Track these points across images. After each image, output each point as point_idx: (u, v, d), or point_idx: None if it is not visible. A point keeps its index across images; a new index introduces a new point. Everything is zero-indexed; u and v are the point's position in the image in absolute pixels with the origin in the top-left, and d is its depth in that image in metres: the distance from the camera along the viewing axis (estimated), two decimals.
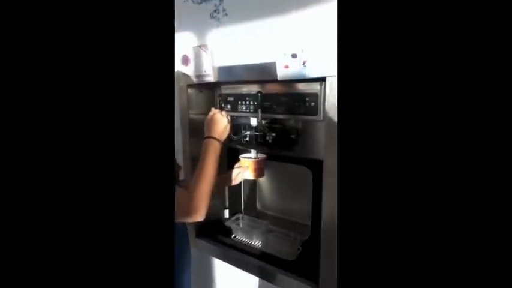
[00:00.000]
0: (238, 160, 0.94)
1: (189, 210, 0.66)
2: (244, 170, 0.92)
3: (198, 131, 1.01)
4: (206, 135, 0.77)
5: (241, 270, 0.95)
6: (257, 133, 0.86)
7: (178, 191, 0.65)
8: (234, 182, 0.95)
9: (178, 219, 0.70)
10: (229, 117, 0.82)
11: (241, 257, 0.95)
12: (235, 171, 0.94)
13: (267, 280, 0.90)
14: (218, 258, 1.02)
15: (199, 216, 0.68)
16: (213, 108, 0.82)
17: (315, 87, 0.78)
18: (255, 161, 0.90)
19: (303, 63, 0.68)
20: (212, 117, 0.79)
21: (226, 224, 1.05)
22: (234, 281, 1.05)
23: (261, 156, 0.92)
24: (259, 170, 0.92)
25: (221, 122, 0.79)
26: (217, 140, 0.76)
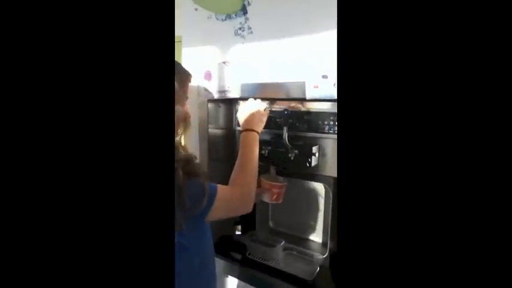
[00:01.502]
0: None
1: (239, 206, 0.68)
2: (263, 191, 0.89)
3: (217, 144, 1.02)
4: (243, 127, 0.75)
5: None
6: (280, 149, 0.86)
7: (225, 189, 0.65)
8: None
9: (229, 216, 0.73)
10: (264, 104, 0.80)
11: (256, 274, 0.93)
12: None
13: None
14: (232, 276, 1.00)
15: (249, 209, 0.70)
16: (249, 100, 0.80)
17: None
18: (280, 185, 0.88)
19: (334, 84, 0.69)
20: (248, 107, 0.77)
21: (240, 240, 1.04)
22: None
23: (284, 181, 0.90)
24: (279, 195, 0.89)
25: (258, 112, 0.76)
26: (256, 131, 0.74)
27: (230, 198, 0.66)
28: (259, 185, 0.90)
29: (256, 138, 0.74)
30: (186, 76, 0.65)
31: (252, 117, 0.76)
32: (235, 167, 0.72)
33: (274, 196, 0.88)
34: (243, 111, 0.77)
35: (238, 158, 0.72)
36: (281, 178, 0.91)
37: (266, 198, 0.88)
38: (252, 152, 0.72)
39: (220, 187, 0.64)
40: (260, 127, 0.77)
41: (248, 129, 0.74)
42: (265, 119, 0.78)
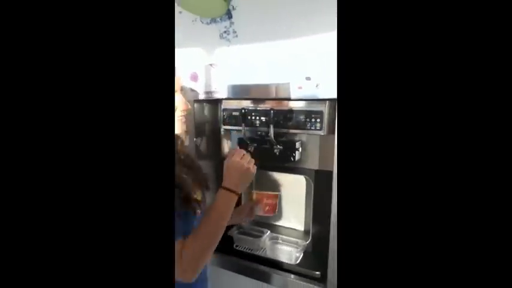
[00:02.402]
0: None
1: (182, 271, 0.57)
2: (256, 204, 0.88)
3: (203, 143, 1.06)
4: (224, 184, 0.65)
5: (248, 278, 1.00)
6: (265, 146, 0.93)
7: (176, 247, 0.56)
8: (249, 218, 0.91)
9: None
10: (252, 160, 0.70)
11: (245, 264, 1.00)
12: (247, 206, 0.89)
13: (274, 284, 0.95)
14: (222, 268, 1.05)
15: (190, 280, 0.58)
16: (235, 148, 0.74)
17: (320, 105, 0.87)
18: (271, 195, 0.88)
19: (316, 85, 0.77)
20: (233, 162, 0.67)
21: (228, 233, 1.09)
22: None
23: (277, 191, 0.91)
24: (272, 207, 0.89)
25: (245, 171, 0.66)
26: (234, 192, 0.65)
27: (177, 259, 0.56)
28: (251, 198, 0.92)
29: (233, 201, 0.65)
30: None
31: (237, 176, 0.66)
32: (200, 224, 0.62)
33: (267, 208, 0.87)
34: (230, 167, 0.67)
35: (207, 216, 0.63)
36: (273, 190, 0.92)
37: (259, 211, 0.86)
38: (219, 215, 0.63)
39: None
40: (243, 188, 0.69)
41: (228, 189, 0.65)
42: (251, 178, 0.69)
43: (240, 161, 0.67)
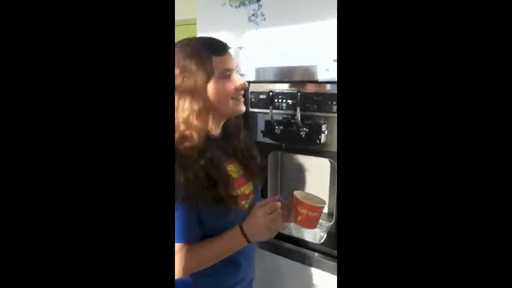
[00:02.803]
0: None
1: None
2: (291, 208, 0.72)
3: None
4: (244, 227, 0.64)
5: (274, 254, 1.05)
6: (291, 128, 0.95)
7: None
8: (285, 221, 0.76)
9: None
10: (277, 221, 0.64)
11: (271, 241, 1.04)
12: (286, 208, 0.74)
13: (298, 261, 1.00)
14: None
15: None
16: (273, 197, 0.72)
17: None
18: (308, 206, 0.68)
19: None
20: (262, 214, 0.63)
21: None
22: (268, 263, 1.12)
23: (321, 203, 0.71)
24: (307, 219, 0.68)
25: (265, 226, 0.63)
26: (246, 238, 0.64)
27: None
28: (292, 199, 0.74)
29: (242, 243, 0.65)
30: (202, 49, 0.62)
31: (256, 228, 0.64)
32: (200, 243, 0.64)
33: (299, 217, 0.68)
34: (257, 216, 0.64)
35: (210, 241, 0.64)
36: (319, 199, 0.73)
37: (292, 218, 0.71)
38: (220, 252, 0.65)
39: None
40: (256, 239, 0.68)
41: (243, 231, 0.64)
42: (268, 237, 0.67)
43: (266, 217, 0.63)
